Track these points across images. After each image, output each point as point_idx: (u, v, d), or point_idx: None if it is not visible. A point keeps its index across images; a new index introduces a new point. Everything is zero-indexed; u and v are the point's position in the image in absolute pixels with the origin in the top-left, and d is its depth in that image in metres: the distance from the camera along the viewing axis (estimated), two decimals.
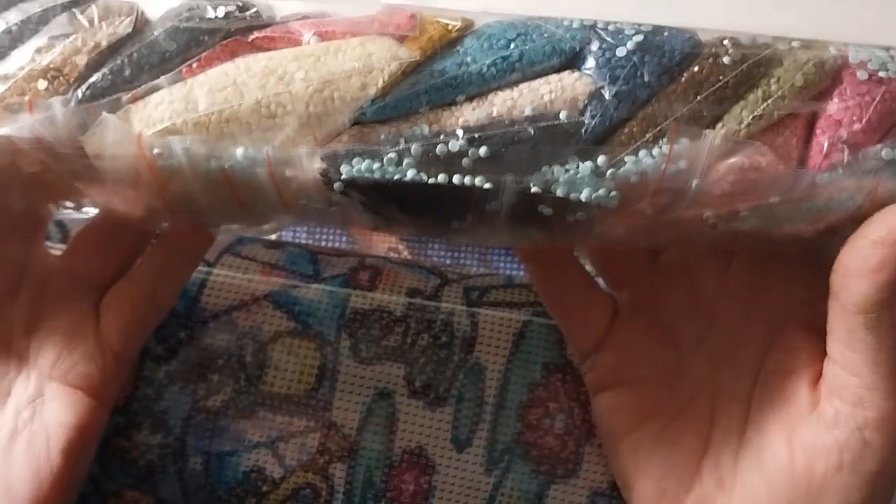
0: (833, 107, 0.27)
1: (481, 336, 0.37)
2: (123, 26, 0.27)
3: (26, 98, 0.27)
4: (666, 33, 0.27)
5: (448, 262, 0.43)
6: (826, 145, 0.26)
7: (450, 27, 0.28)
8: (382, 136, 0.27)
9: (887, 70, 0.27)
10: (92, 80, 0.27)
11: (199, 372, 0.36)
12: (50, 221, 0.36)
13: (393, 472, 0.36)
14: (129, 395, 0.36)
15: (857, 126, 0.26)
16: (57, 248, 0.36)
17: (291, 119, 0.26)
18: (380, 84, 0.26)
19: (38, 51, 0.27)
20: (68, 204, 0.31)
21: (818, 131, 0.27)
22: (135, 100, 0.27)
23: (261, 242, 0.40)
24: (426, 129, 0.27)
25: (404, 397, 0.36)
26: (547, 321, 0.37)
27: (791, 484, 0.28)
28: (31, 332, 0.33)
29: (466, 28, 0.28)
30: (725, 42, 0.27)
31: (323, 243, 0.46)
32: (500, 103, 0.27)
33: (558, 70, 0.27)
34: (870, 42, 0.29)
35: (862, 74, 0.27)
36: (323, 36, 0.27)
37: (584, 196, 0.26)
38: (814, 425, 0.28)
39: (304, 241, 0.42)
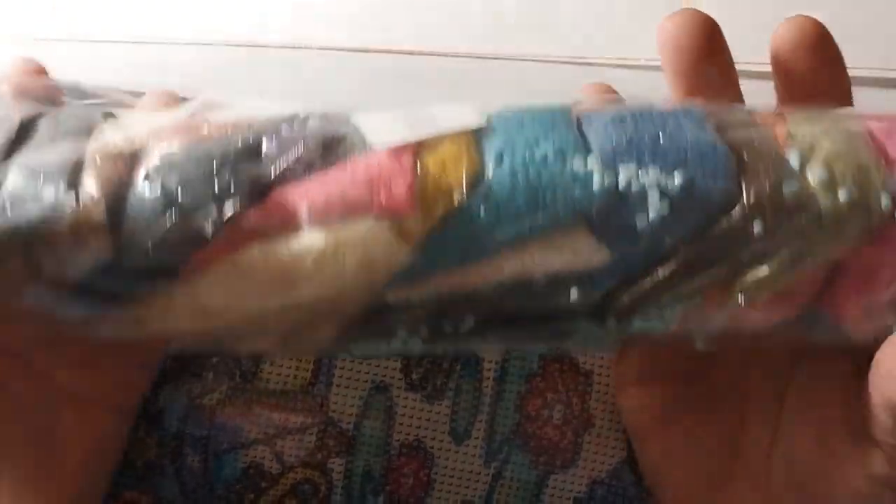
0: None
1: None
2: None
3: None
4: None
5: None
6: None
7: (455, 194, 0.24)
8: None
9: None
10: None
11: (193, 370, 0.36)
12: None
13: (392, 465, 0.36)
14: None
15: None
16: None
17: None
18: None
19: None
20: None
21: None
22: None
23: None
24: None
25: (401, 390, 0.36)
26: None
27: None
28: None
29: (475, 179, 0.24)
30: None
31: None
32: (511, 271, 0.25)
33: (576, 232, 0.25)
34: None
35: None
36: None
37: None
38: (859, 466, 0.27)
39: None
